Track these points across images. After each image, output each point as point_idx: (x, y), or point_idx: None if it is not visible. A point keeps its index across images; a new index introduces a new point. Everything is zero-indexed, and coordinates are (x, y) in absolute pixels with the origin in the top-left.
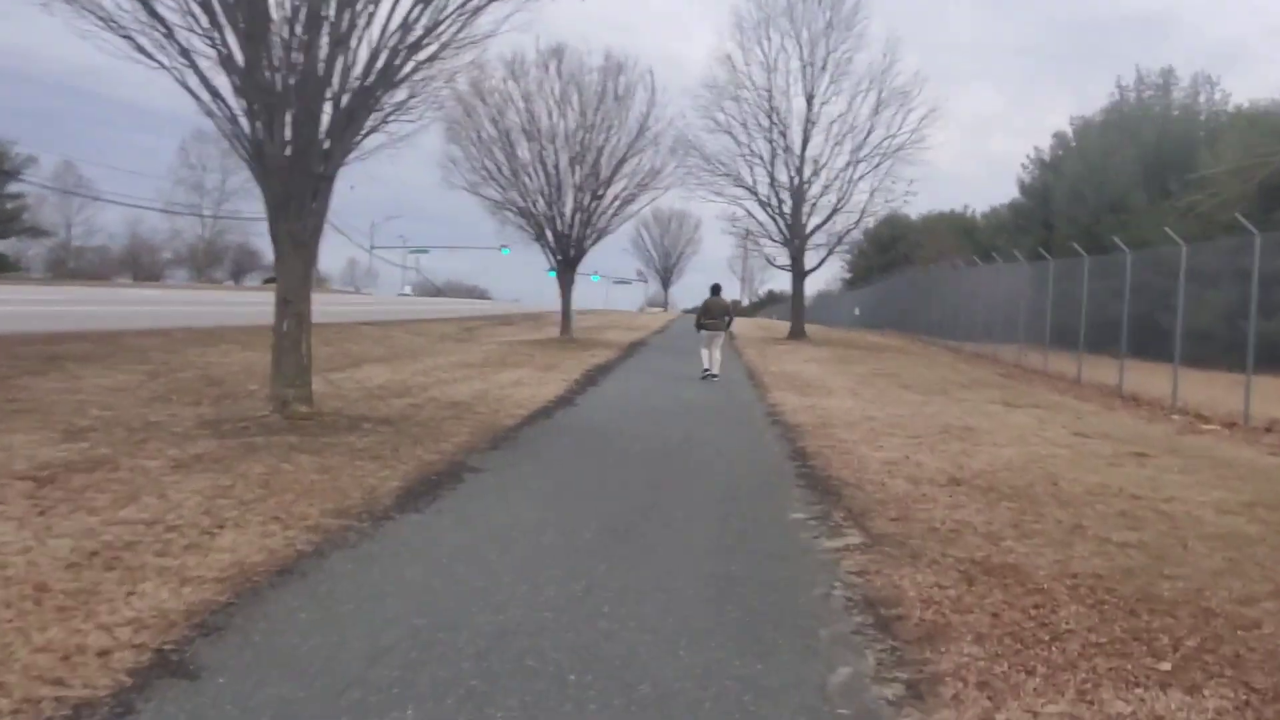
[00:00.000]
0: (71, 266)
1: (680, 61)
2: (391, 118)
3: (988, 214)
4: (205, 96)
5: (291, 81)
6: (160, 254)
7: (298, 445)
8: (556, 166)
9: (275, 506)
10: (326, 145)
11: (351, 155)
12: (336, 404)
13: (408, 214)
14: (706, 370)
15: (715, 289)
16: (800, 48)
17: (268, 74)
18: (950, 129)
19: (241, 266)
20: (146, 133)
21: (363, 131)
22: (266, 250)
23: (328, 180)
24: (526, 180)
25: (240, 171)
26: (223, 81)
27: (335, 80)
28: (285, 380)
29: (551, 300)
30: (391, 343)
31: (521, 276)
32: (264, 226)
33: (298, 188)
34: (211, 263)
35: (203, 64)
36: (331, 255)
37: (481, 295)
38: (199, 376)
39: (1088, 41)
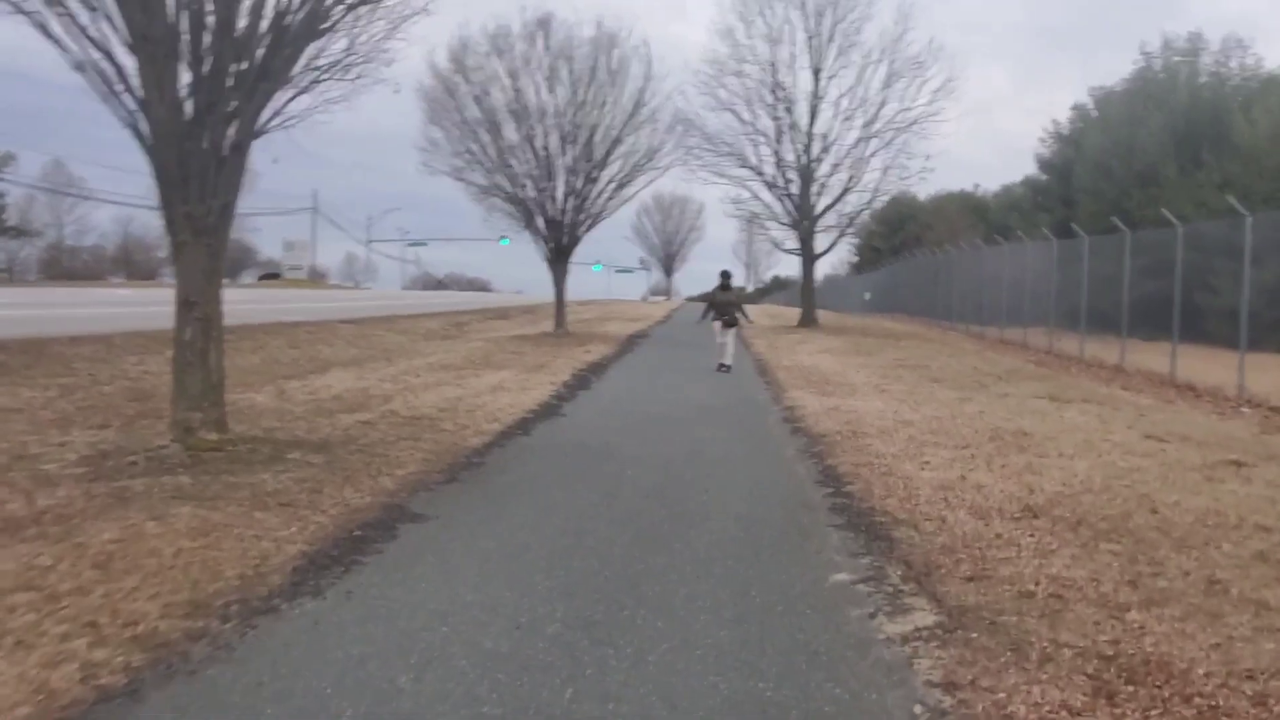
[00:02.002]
0: (66, 266)
1: (678, 43)
2: (325, 75)
3: (999, 193)
4: (74, 46)
5: (185, 22)
6: (154, 252)
7: (187, 490)
8: (546, 148)
9: (100, 602)
10: (234, 106)
11: (272, 120)
12: (271, 423)
13: (408, 206)
14: (722, 364)
15: (724, 277)
16: (806, 18)
17: (153, 12)
18: (956, 108)
19: (237, 263)
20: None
21: (284, 89)
22: (263, 246)
23: (237, 150)
24: (514, 163)
25: None
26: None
27: (244, 20)
28: (189, 402)
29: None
30: (369, 342)
31: (526, 267)
32: (258, 221)
33: (197, 160)
34: None
35: (73, 3)
36: (330, 249)
37: (484, 287)
38: (124, 390)
39: (1092, 18)
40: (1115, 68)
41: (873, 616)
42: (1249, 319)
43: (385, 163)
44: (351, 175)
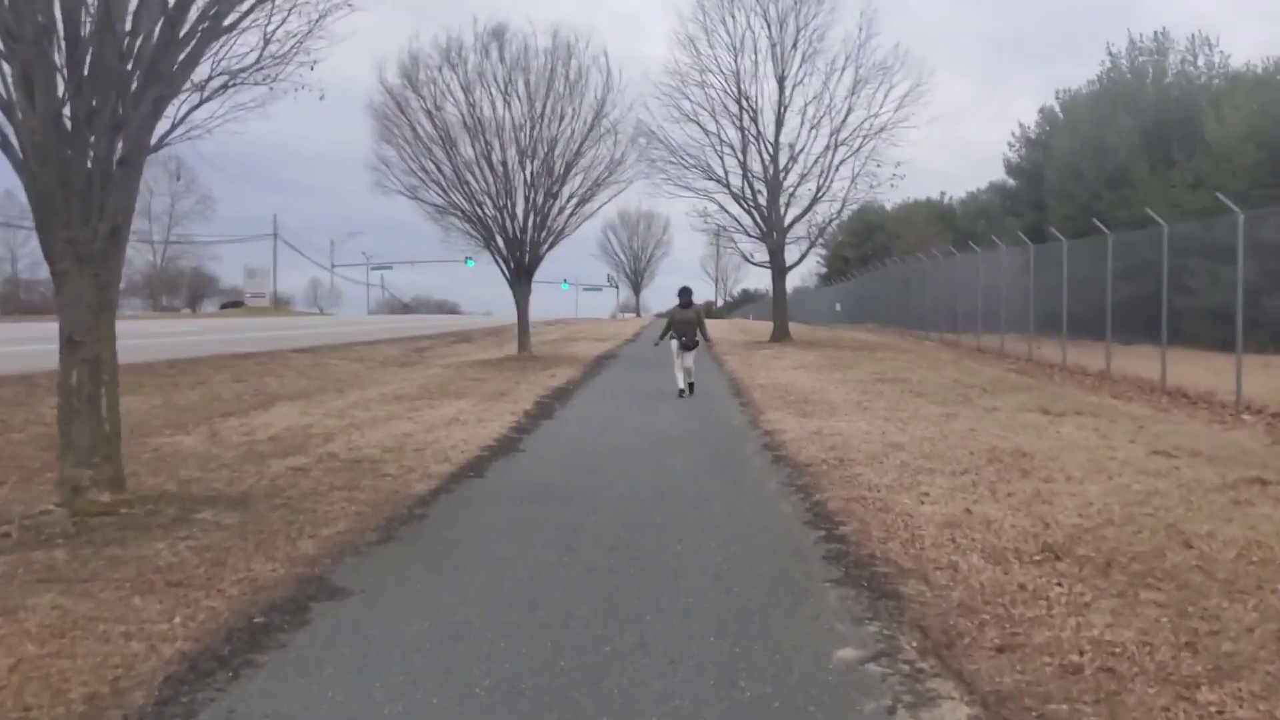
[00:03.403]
0: (24, 301)
1: (640, 62)
2: (234, 81)
3: (965, 200)
4: None
5: (58, 14)
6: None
7: (58, 569)
8: (504, 163)
9: None
10: (121, 114)
11: (173, 131)
12: (191, 473)
13: (373, 230)
14: (681, 390)
15: (684, 294)
16: (768, 25)
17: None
18: (925, 113)
19: (198, 292)
20: None
21: (186, 94)
22: (224, 274)
23: (126, 165)
24: (471, 180)
25: (190, 194)
26: None
27: (130, 14)
28: (77, 457)
29: (530, 312)
30: (322, 372)
31: (494, 287)
32: (219, 249)
33: (79, 177)
34: (167, 290)
35: None
36: (294, 275)
37: (452, 310)
38: (37, 438)
39: (1047, 27)
40: (1073, 75)
41: (892, 712)
42: (1225, 320)
43: (347, 186)
44: (313, 200)
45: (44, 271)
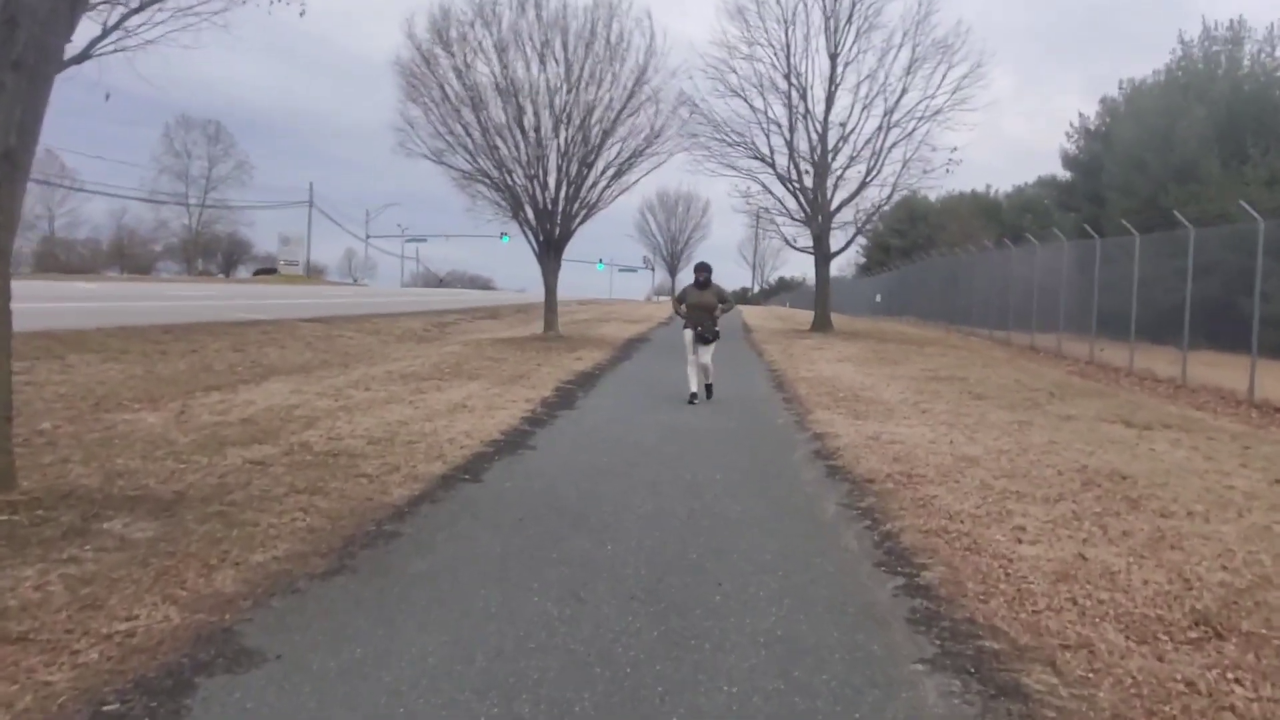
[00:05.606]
0: (61, 260)
1: (683, 39)
2: None
3: (1011, 194)
4: None
5: None
6: (150, 246)
7: None
8: (537, 129)
9: None
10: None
11: (104, 39)
12: (130, 462)
13: (412, 203)
14: (694, 394)
15: (701, 270)
16: None
17: None
18: (984, 95)
19: (232, 258)
20: (123, 122)
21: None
22: (259, 241)
23: (26, 73)
24: (501, 145)
25: (228, 159)
26: None
27: None
28: None
29: (562, 291)
30: (331, 345)
31: (531, 265)
32: (255, 216)
33: None
34: (202, 253)
35: None
36: (330, 246)
37: (486, 285)
38: None
39: (1095, 24)
40: (1118, 71)
41: None
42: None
43: (387, 161)
44: (351, 173)
45: (83, 231)
